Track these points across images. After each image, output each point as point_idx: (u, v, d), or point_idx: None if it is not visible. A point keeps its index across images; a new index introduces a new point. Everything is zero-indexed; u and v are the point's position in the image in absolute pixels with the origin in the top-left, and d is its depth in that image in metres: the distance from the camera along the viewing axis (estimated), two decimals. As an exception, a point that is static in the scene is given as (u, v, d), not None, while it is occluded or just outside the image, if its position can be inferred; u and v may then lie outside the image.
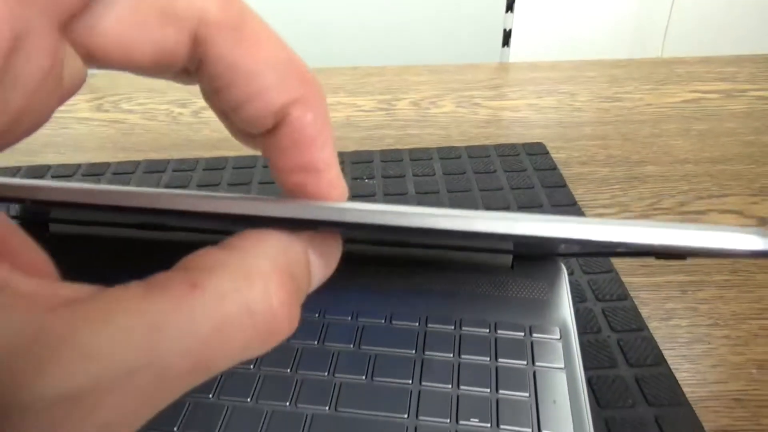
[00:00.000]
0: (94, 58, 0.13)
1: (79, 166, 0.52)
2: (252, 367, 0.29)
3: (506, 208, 0.45)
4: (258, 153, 0.53)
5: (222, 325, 0.11)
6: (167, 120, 0.61)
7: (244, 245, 0.13)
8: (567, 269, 0.34)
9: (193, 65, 0.14)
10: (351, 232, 0.15)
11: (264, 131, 0.15)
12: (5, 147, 0.12)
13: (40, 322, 0.09)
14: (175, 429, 0.26)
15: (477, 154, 0.52)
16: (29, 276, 0.10)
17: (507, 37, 1.28)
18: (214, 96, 0.15)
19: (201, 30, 0.13)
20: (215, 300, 0.11)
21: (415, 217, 0.14)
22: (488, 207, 0.45)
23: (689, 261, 0.39)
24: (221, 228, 0.26)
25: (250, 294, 0.11)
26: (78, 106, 0.65)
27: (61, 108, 0.14)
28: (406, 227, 0.14)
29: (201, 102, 0.63)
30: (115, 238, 0.37)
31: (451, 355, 0.30)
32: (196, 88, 0.15)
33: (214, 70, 0.14)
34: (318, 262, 0.15)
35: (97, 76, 0.71)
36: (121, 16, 0.12)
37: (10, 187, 0.15)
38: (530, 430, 0.26)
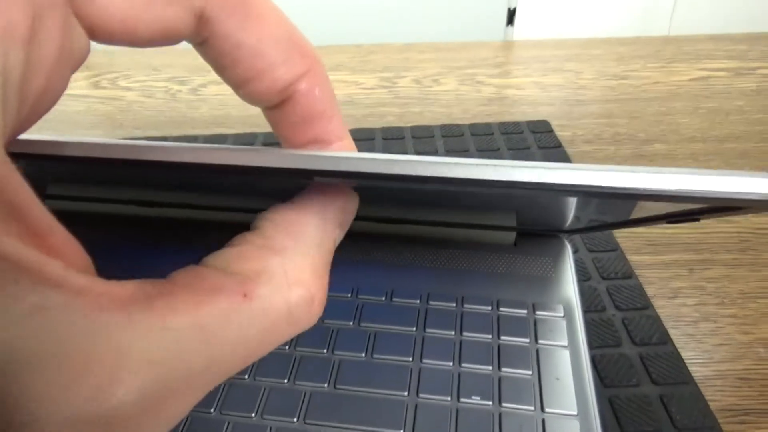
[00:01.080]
0: (95, 34, 0.12)
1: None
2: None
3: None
4: (257, 130, 0.52)
5: (267, 330, 0.12)
6: (165, 97, 0.60)
7: (285, 246, 0.13)
8: (571, 247, 0.34)
9: (197, 41, 0.14)
10: (377, 184, 0.14)
11: (272, 106, 0.15)
12: (31, 125, 0.12)
13: (100, 324, 0.09)
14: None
15: (480, 131, 0.51)
16: (78, 271, 0.10)
17: (511, 16, 1.26)
18: (220, 71, 0.15)
19: (206, 9, 0.13)
20: (263, 311, 0.12)
21: (472, 168, 0.13)
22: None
23: (696, 239, 0.38)
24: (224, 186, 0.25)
25: (292, 300, 0.12)
26: (75, 83, 0.64)
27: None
28: (458, 178, 0.13)
29: (199, 80, 0.62)
30: (110, 215, 0.36)
31: (453, 332, 0.29)
32: (195, 66, 0.15)
33: (220, 48, 0.14)
34: (340, 234, 0.15)
35: (95, 54, 0.70)
36: None
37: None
38: (533, 408, 0.26)
